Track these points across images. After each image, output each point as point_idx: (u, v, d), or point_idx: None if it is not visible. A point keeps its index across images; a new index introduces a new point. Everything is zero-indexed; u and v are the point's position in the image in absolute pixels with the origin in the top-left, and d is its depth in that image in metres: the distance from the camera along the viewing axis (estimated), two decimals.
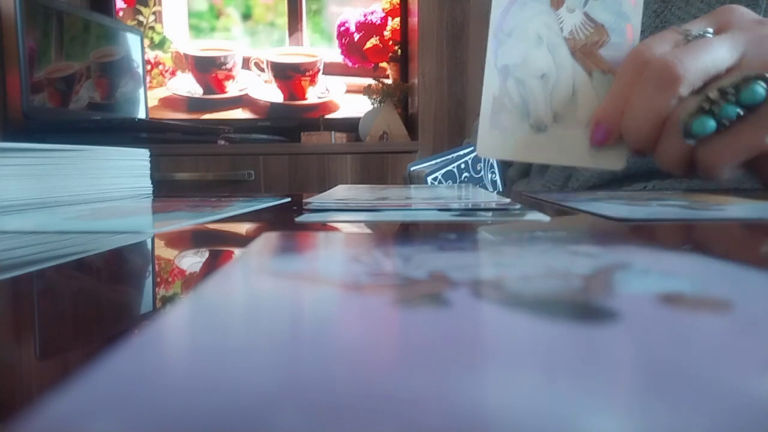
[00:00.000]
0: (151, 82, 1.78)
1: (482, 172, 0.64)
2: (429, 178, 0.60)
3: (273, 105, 1.79)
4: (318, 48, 1.82)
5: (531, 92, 0.41)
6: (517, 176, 0.73)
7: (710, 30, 0.37)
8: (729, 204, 0.32)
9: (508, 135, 0.41)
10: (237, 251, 0.21)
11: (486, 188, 0.64)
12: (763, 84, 0.33)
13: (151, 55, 1.78)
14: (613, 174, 0.59)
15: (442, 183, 0.61)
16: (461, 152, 0.63)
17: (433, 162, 0.63)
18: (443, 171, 0.61)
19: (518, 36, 0.42)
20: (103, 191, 0.42)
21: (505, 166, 0.80)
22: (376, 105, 1.69)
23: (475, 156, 0.63)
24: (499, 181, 0.66)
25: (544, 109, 0.41)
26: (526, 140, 0.41)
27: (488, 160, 0.65)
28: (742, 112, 0.34)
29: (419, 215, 0.28)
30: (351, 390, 0.06)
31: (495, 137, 0.41)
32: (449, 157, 0.63)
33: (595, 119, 0.39)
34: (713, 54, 0.35)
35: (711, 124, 0.34)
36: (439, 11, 1.63)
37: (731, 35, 0.36)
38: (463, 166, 0.62)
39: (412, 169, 0.63)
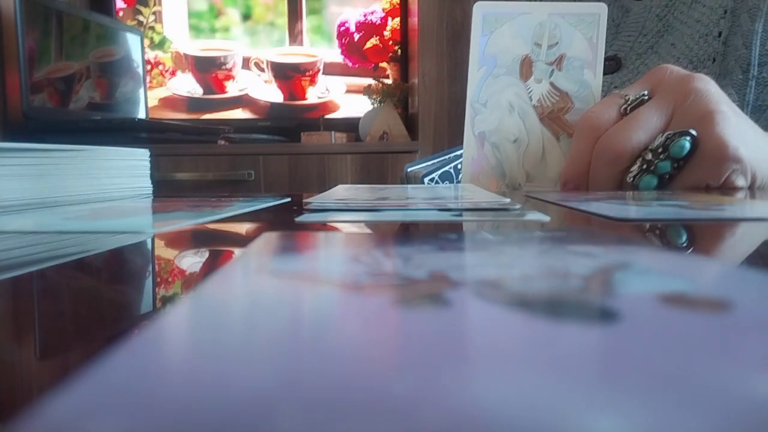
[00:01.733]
0: (151, 82, 1.78)
1: None
2: (426, 179, 0.61)
3: (273, 105, 1.79)
4: (318, 48, 1.82)
5: (506, 155, 0.47)
6: None
7: (645, 93, 0.45)
8: (729, 204, 0.32)
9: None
10: (237, 251, 0.21)
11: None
12: (687, 138, 0.40)
13: (151, 55, 1.78)
14: None
15: (438, 183, 0.62)
16: (458, 152, 0.63)
17: (429, 163, 0.64)
18: (440, 172, 0.62)
19: (492, 105, 0.48)
20: (103, 191, 0.42)
21: None
22: (376, 105, 1.69)
23: None
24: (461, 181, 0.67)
25: (518, 170, 0.47)
26: None
27: None
28: (676, 165, 0.41)
29: (419, 215, 0.28)
30: (351, 390, 0.06)
31: None
32: (446, 157, 0.63)
33: (563, 179, 0.46)
34: (645, 123, 0.43)
35: (653, 180, 0.42)
36: (439, 11, 1.63)
37: (659, 99, 0.44)
38: (459, 166, 0.63)
39: (409, 170, 0.64)
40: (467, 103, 0.48)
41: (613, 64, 0.64)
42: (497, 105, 0.48)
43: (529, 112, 0.47)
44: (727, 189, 0.42)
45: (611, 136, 0.43)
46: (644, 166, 0.42)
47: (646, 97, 0.44)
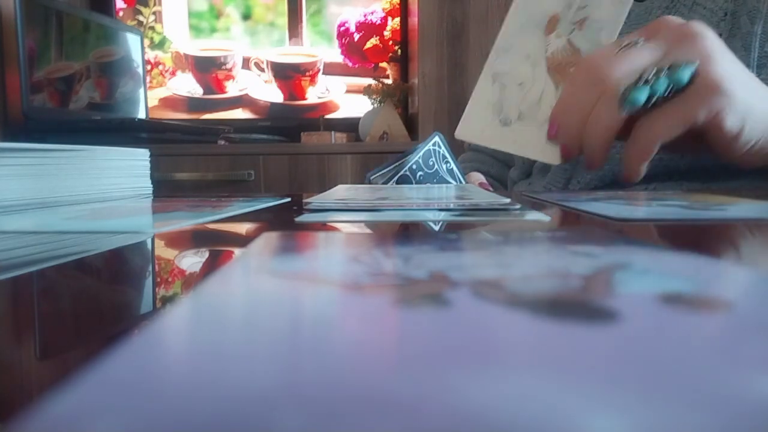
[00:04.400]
0: (151, 82, 1.78)
1: (436, 166, 0.66)
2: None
3: (273, 105, 1.79)
4: (318, 48, 1.82)
5: (508, 95, 0.50)
6: (519, 177, 0.73)
7: (641, 39, 0.43)
8: (729, 204, 0.32)
9: (481, 124, 0.51)
10: (237, 251, 0.21)
11: (444, 180, 0.65)
12: (691, 68, 0.38)
13: (151, 55, 1.78)
14: (614, 177, 0.60)
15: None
16: (407, 157, 0.65)
17: (385, 171, 0.65)
18: (396, 177, 0.63)
19: (513, 52, 0.51)
20: (103, 191, 0.42)
21: (507, 167, 0.80)
22: (376, 105, 1.69)
23: (425, 152, 0.66)
24: (456, 169, 0.67)
25: (513, 109, 0.50)
26: (492, 131, 0.50)
27: (439, 152, 0.68)
28: (670, 92, 0.39)
29: (419, 215, 0.28)
30: (351, 390, 0.06)
31: (470, 125, 0.50)
32: (397, 164, 0.65)
33: (551, 119, 0.46)
34: (636, 55, 0.41)
35: (642, 94, 0.39)
36: (439, 11, 1.63)
37: (654, 41, 0.42)
38: (414, 167, 0.64)
39: (371, 177, 0.65)
40: (493, 47, 0.51)
41: None
42: (516, 52, 0.51)
43: (541, 62, 0.50)
44: (715, 132, 0.40)
45: (596, 59, 0.42)
46: (638, 83, 0.39)
47: (641, 43, 0.43)
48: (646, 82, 0.39)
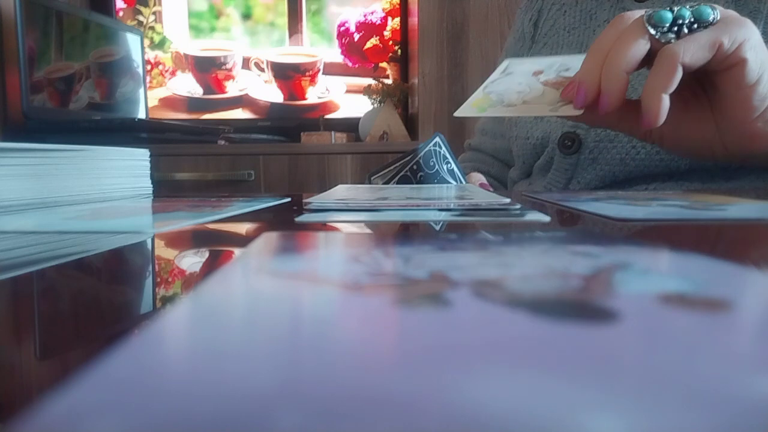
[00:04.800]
0: (151, 82, 1.78)
1: (436, 166, 0.66)
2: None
3: (273, 105, 1.79)
4: (318, 48, 1.82)
5: (507, 98, 0.50)
6: (519, 177, 0.73)
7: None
8: (729, 204, 0.32)
9: (483, 104, 0.51)
10: (237, 251, 0.21)
11: (445, 181, 0.66)
12: (715, 11, 0.40)
13: (151, 55, 1.78)
14: (614, 176, 0.60)
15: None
16: (408, 158, 0.65)
17: (385, 171, 0.65)
18: (397, 178, 0.63)
19: (511, 77, 0.52)
20: (103, 191, 0.42)
21: (507, 167, 0.80)
22: (376, 105, 1.69)
23: (426, 153, 0.66)
24: (456, 170, 0.67)
25: (517, 99, 0.50)
26: (495, 109, 0.49)
27: (440, 152, 0.68)
28: (693, 24, 0.40)
29: (419, 215, 0.28)
30: (351, 390, 0.06)
31: (471, 105, 0.50)
32: (398, 164, 0.65)
33: (577, 77, 0.43)
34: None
35: (669, 15, 0.40)
36: (439, 11, 1.63)
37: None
38: (415, 167, 0.64)
39: (372, 178, 0.65)
40: (497, 69, 0.52)
41: None
42: (513, 78, 0.51)
43: (536, 87, 0.50)
44: (735, 70, 0.40)
45: (621, 39, 0.41)
46: (667, 7, 0.41)
47: None
48: (671, 7, 0.40)
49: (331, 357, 0.07)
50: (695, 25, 0.40)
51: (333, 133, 1.60)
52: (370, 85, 1.72)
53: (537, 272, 0.12)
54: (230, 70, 1.80)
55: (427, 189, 0.49)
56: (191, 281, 0.16)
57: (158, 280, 0.17)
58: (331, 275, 0.12)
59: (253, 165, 1.44)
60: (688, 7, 0.40)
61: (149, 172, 0.49)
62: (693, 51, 0.39)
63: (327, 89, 1.81)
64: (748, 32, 0.40)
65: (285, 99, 1.80)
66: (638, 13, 0.43)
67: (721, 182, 0.56)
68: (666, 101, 0.39)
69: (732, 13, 0.41)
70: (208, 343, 0.08)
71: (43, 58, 1.39)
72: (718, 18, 0.40)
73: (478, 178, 0.75)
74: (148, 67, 1.76)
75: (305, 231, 0.24)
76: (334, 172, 1.45)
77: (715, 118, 0.44)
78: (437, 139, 0.68)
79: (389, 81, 1.77)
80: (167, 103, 1.80)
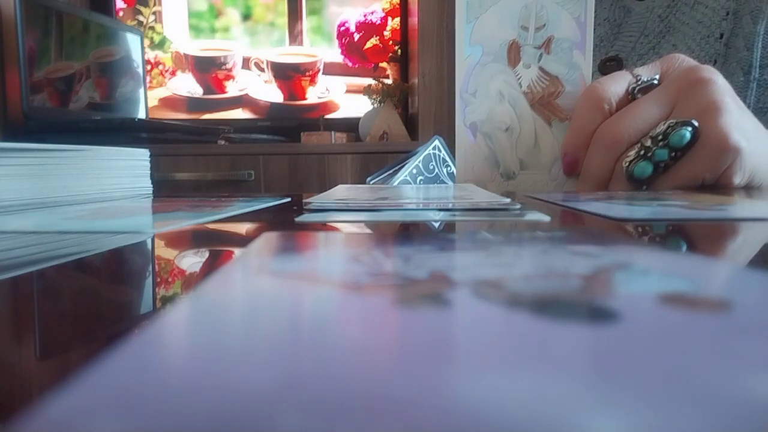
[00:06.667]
0: (151, 82, 1.78)
1: (436, 170, 0.66)
2: None
3: (273, 105, 1.79)
4: (318, 48, 1.82)
5: (498, 144, 0.47)
6: None
7: (656, 77, 0.44)
8: (729, 204, 0.32)
9: (484, 179, 0.47)
10: (237, 251, 0.21)
11: (446, 183, 0.65)
12: (688, 128, 0.39)
13: (151, 55, 1.78)
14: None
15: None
16: (407, 161, 0.65)
17: (385, 175, 0.65)
18: (396, 182, 0.63)
19: (482, 94, 0.47)
20: (103, 191, 0.42)
21: None
22: (376, 105, 1.69)
23: (425, 156, 0.65)
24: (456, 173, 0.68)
25: (511, 159, 0.47)
26: (498, 188, 0.46)
27: (439, 156, 0.67)
28: (674, 155, 0.40)
29: (419, 215, 0.28)
30: (351, 390, 0.06)
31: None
32: (397, 168, 0.65)
33: (563, 150, 0.45)
34: (646, 113, 0.42)
35: (648, 168, 0.41)
36: (439, 11, 1.63)
37: (664, 88, 0.43)
38: (415, 171, 0.64)
39: (372, 182, 0.65)
40: (456, 94, 0.47)
41: (614, 65, 0.64)
42: (487, 94, 0.47)
43: (520, 99, 0.47)
44: (723, 186, 0.41)
45: (612, 122, 0.43)
46: (641, 152, 0.41)
47: (656, 82, 0.44)
48: (647, 153, 0.41)
49: (331, 357, 0.07)
50: (676, 153, 0.40)
51: (333, 133, 1.60)
52: (370, 85, 1.72)
53: (537, 272, 0.12)
54: (230, 70, 1.80)
55: (427, 189, 0.49)
56: (191, 281, 0.16)
57: (158, 280, 0.17)
58: (331, 275, 0.12)
59: (253, 165, 1.44)
60: (661, 140, 0.40)
61: (149, 172, 0.49)
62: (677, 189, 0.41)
63: (327, 89, 1.81)
64: (735, 144, 0.39)
65: (285, 99, 1.80)
66: (621, 83, 0.44)
67: None
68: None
69: (722, 111, 0.40)
70: (208, 343, 0.08)
71: (43, 58, 1.39)
72: (701, 133, 0.40)
73: None
74: (148, 67, 1.76)
75: (305, 231, 0.24)
76: (334, 172, 1.45)
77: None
78: (436, 142, 0.67)
79: (389, 81, 1.77)
80: (167, 103, 1.80)
